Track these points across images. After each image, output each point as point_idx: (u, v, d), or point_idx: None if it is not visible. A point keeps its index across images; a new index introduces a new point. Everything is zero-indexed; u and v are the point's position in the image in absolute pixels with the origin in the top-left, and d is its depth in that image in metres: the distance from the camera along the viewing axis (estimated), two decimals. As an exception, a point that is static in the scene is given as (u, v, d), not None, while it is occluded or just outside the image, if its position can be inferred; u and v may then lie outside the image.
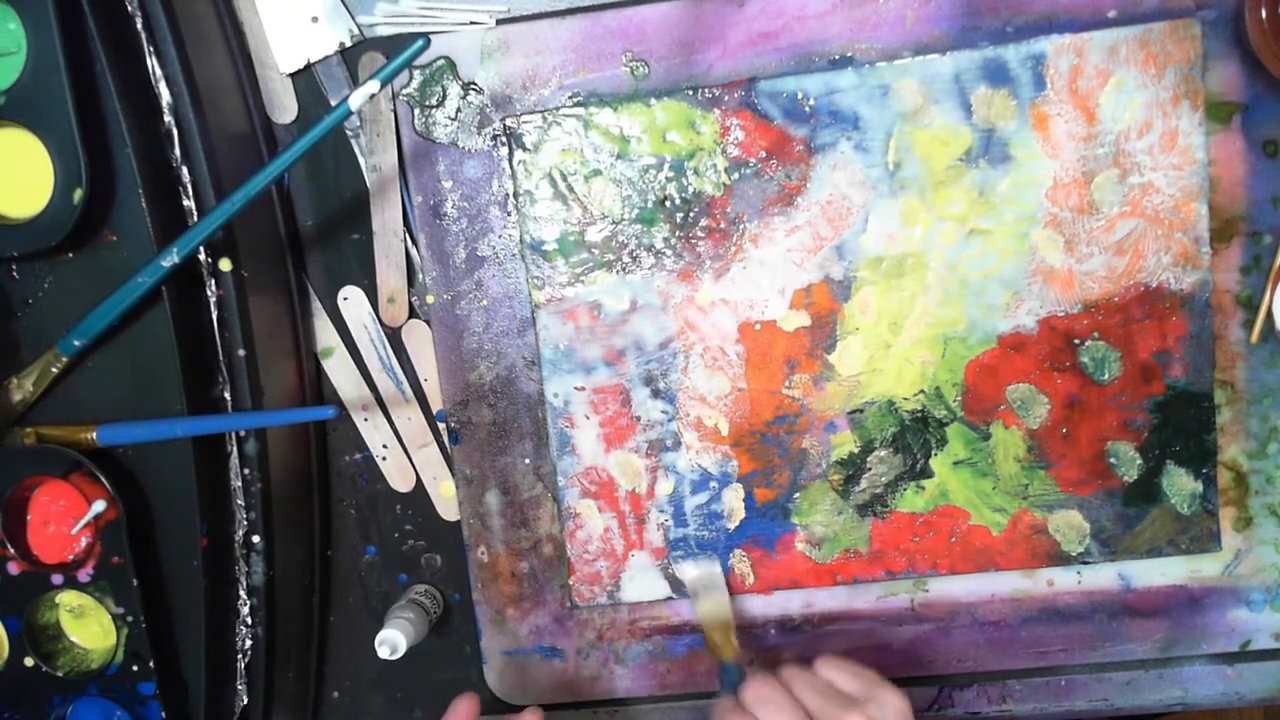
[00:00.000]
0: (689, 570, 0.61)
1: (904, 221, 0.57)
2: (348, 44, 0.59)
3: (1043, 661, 0.61)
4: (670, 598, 0.61)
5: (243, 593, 0.57)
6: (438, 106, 0.59)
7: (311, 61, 0.59)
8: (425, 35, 0.49)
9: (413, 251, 0.61)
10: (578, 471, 0.60)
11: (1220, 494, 0.59)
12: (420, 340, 0.62)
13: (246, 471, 0.56)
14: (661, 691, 0.63)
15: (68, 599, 0.56)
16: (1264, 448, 0.59)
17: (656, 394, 0.59)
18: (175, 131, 0.52)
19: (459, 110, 0.59)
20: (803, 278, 0.58)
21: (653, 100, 0.57)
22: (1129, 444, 0.58)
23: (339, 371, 0.63)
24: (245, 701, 0.58)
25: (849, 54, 0.57)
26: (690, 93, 0.57)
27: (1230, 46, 0.55)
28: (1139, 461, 0.58)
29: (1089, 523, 0.59)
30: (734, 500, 0.60)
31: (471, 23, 0.58)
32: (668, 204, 0.58)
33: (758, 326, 0.58)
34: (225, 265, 0.54)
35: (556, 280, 0.59)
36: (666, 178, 0.57)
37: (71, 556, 0.55)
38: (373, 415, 0.63)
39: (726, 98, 0.56)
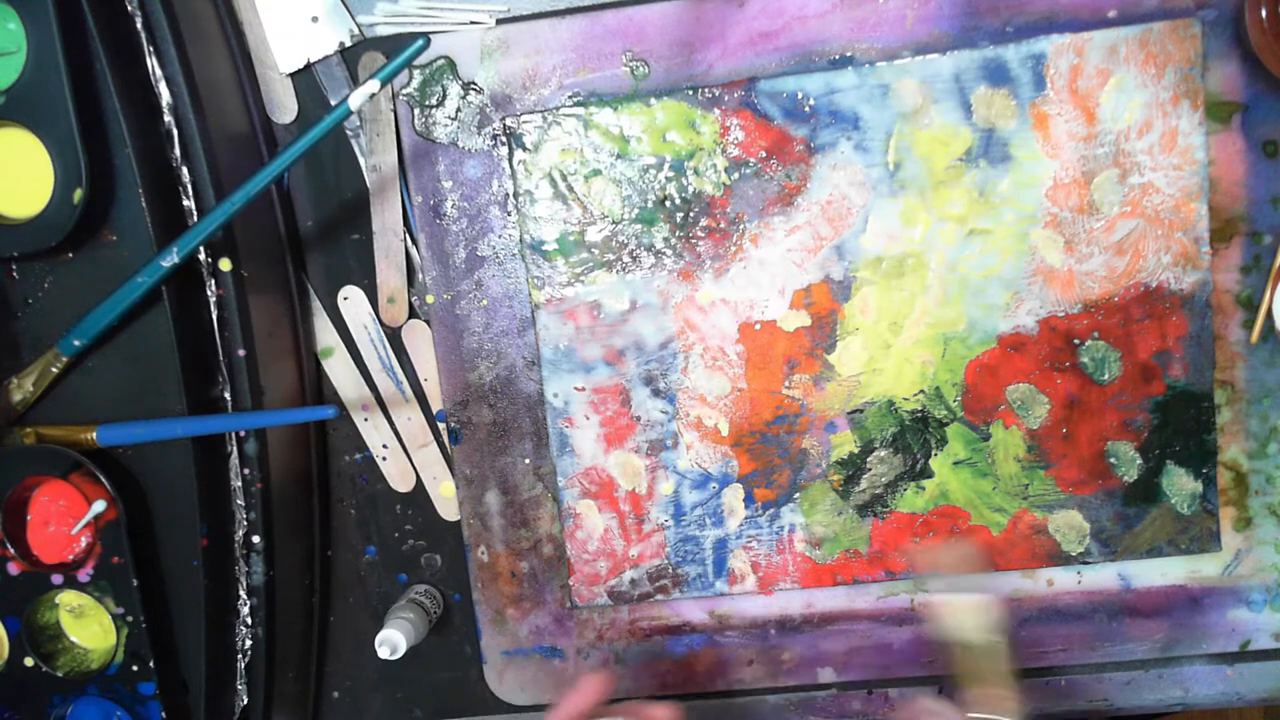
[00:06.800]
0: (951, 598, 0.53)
1: (904, 221, 0.57)
2: (348, 44, 0.59)
3: (1043, 661, 0.61)
4: (674, 598, 0.61)
5: (243, 593, 0.57)
6: (438, 106, 0.59)
7: (311, 61, 0.59)
8: (425, 35, 0.49)
9: (413, 251, 0.61)
10: (578, 471, 0.60)
11: (1220, 494, 0.59)
12: (420, 340, 0.62)
13: (246, 471, 0.56)
14: (661, 691, 0.63)
15: (68, 599, 0.56)
16: (1264, 448, 0.59)
17: (656, 394, 0.59)
18: (175, 131, 0.52)
19: (459, 110, 0.59)
20: (803, 278, 0.58)
21: (653, 100, 0.57)
22: (1129, 444, 0.58)
23: (339, 371, 0.63)
24: (245, 701, 0.58)
25: (849, 54, 0.57)
26: (690, 93, 0.57)
27: (1230, 46, 0.55)
28: (1139, 461, 0.58)
29: (1089, 523, 0.59)
30: (734, 500, 0.60)
31: (471, 23, 0.58)
32: (668, 204, 0.58)
33: (758, 326, 0.58)
34: (225, 265, 0.54)
35: (556, 280, 0.59)
36: (666, 178, 0.57)
37: (71, 556, 0.55)
38: (373, 415, 0.63)
39: (726, 98, 0.56)
